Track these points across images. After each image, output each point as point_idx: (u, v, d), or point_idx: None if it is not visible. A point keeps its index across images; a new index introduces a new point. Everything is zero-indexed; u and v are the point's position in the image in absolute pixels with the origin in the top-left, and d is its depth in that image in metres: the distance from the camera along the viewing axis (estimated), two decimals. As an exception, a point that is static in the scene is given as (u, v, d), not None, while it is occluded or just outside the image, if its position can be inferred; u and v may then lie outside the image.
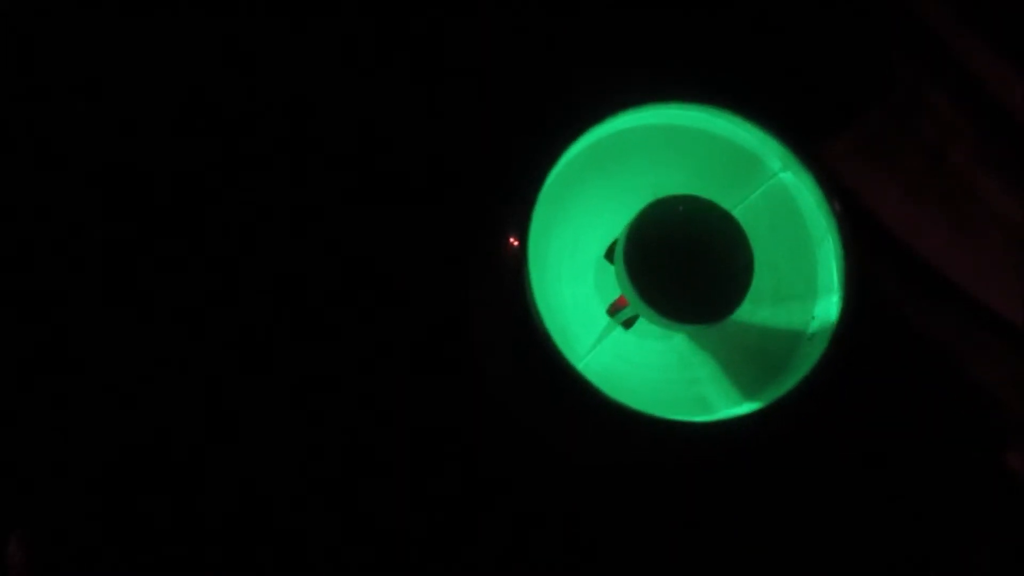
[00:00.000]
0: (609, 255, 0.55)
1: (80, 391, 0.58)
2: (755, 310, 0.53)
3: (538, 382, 0.51)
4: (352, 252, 0.59)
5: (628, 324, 0.55)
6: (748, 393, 0.51)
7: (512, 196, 0.51)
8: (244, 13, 0.60)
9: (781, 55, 0.64)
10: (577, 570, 0.57)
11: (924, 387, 0.63)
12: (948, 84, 0.67)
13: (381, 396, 0.58)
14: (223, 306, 0.59)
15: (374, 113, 0.60)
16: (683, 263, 0.50)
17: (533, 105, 0.58)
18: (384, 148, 0.60)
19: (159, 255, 0.59)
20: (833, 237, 0.52)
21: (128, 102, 0.60)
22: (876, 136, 0.66)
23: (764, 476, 0.59)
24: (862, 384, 0.59)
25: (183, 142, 0.60)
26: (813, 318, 0.51)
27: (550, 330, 0.48)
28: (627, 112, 0.52)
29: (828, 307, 0.51)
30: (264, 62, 0.60)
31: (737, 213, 0.52)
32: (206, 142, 0.60)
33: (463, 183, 0.59)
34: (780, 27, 0.64)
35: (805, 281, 0.53)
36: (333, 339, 0.58)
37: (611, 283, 0.55)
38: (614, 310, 0.55)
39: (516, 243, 0.50)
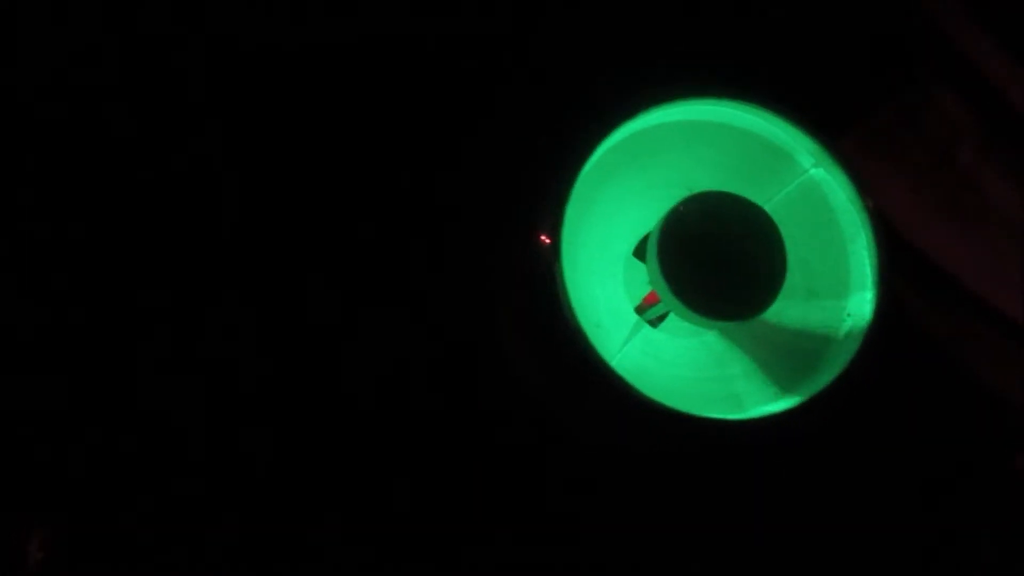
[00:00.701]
0: (638, 252, 0.55)
1: (99, 388, 0.57)
2: (787, 308, 0.53)
3: (570, 380, 0.51)
4: (378, 251, 0.59)
5: (657, 322, 0.55)
6: (782, 390, 0.51)
7: (544, 193, 0.50)
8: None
9: (796, 52, 0.64)
10: (607, 566, 0.56)
11: (932, 385, 0.63)
12: (955, 82, 0.67)
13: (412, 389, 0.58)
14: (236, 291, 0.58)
15: (402, 108, 0.60)
16: (717, 259, 0.49)
17: (564, 102, 0.58)
18: (413, 145, 0.59)
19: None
20: (866, 234, 0.51)
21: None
22: (882, 134, 0.66)
23: (792, 473, 0.58)
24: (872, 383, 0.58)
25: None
26: (848, 315, 0.51)
27: (582, 327, 0.48)
28: (658, 108, 0.51)
29: (862, 304, 0.51)
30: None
31: (767, 210, 0.52)
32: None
33: (493, 183, 0.59)
34: (790, 24, 0.64)
35: (837, 278, 0.53)
36: (356, 337, 0.58)
37: (640, 280, 0.55)
38: (643, 308, 0.54)
39: (548, 240, 0.50)
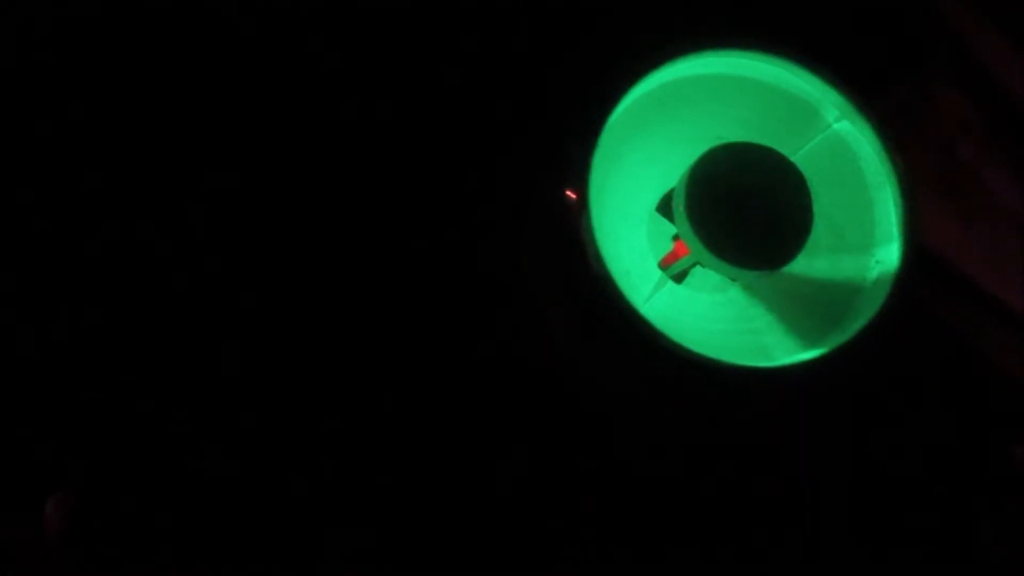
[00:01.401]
0: (662, 207, 0.55)
1: (117, 356, 0.57)
2: (811, 261, 0.53)
3: (598, 329, 0.50)
4: (401, 207, 0.58)
5: (680, 277, 0.55)
6: (809, 342, 0.51)
7: (570, 146, 0.50)
8: None
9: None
10: (631, 520, 0.56)
11: (938, 374, 0.63)
12: (956, 77, 0.67)
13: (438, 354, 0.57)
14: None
15: (429, 63, 0.59)
16: (744, 209, 0.49)
17: (589, 56, 0.58)
18: (437, 97, 0.59)
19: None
20: (892, 185, 0.51)
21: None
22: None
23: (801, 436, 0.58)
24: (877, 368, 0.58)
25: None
26: (877, 262, 0.51)
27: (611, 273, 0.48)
28: (681, 60, 0.51)
29: (888, 255, 0.51)
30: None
31: (791, 163, 0.52)
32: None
33: (520, 133, 0.58)
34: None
35: (861, 231, 0.53)
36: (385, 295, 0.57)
37: (664, 235, 0.55)
38: (667, 263, 0.54)
39: (576, 193, 0.49)
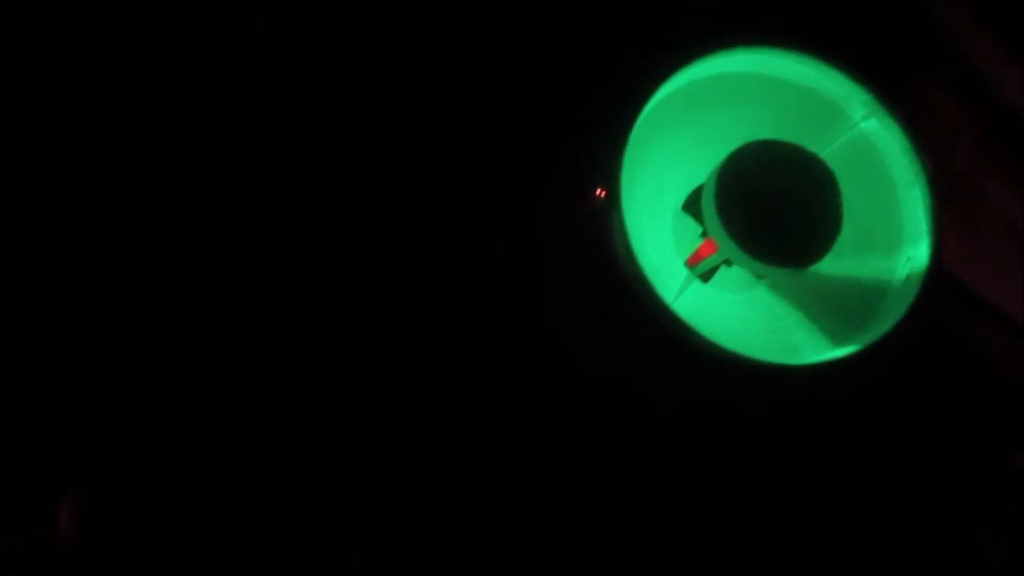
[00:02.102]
0: (688, 206, 0.55)
1: (134, 362, 0.56)
2: (837, 260, 0.52)
3: (628, 328, 0.50)
4: (426, 202, 0.58)
5: (707, 277, 0.55)
6: (838, 341, 0.50)
7: (599, 144, 0.50)
8: None
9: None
10: (662, 516, 0.55)
11: (942, 383, 0.63)
12: (953, 85, 0.67)
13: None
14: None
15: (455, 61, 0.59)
16: (775, 206, 0.49)
17: (614, 55, 0.57)
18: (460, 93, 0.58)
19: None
20: (921, 183, 0.51)
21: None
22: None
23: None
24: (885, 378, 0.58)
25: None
26: (908, 259, 0.51)
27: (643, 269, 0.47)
28: (707, 58, 0.51)
29: (918, 253, 0.51)
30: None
31: (818, 163, 0.51)
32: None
33: (547, 137, 0.58)
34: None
35: (888, 230, 0.53)
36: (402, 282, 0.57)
37: (689, 234, 0.55)
38: (694, 261, 0.54)
39: (605, 191, 0.49)
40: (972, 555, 0.61)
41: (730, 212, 0.48)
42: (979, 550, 0.61)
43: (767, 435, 0.55)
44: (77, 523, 0.54)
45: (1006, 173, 0.67)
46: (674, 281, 0.54)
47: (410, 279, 0.57)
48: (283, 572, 0.55)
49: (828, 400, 0.52)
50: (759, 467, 0.57)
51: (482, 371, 0.56)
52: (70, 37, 0.58)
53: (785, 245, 0.49)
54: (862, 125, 0.53)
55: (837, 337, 0.51)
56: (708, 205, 0.49)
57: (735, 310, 0.54)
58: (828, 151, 0.54)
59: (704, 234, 0.54)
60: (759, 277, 0.53)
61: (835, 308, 0.52)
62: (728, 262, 0.53)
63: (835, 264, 0.53)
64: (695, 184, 0.54)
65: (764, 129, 0.54)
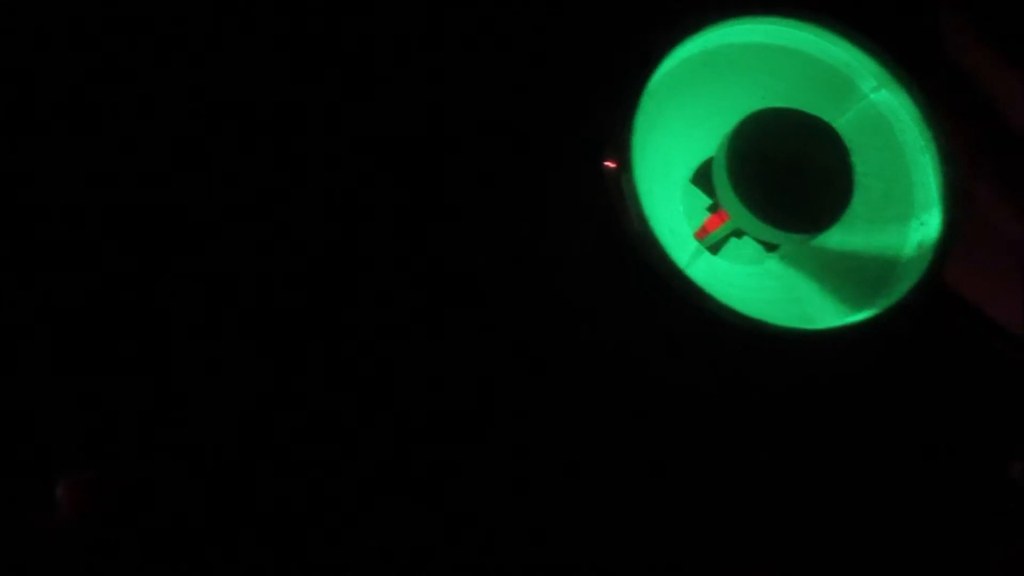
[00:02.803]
0: (697, 179, 0.54)
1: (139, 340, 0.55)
2: (847, 231, 0.52)
3: (639, 292, 0.49)
4: (424, 179, 0.57)
5: (717, 248, 0.54)
6: (853, 308, 0.50)
7: (610, 110, 0.49)
8: None
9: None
10: (678, 488, 0.55)
11: (940, 380, 0.63)
12: (949, 97, 0.67)
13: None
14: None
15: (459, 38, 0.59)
16: (786, 172, 0.49)
17: (620, 26, 0.57)
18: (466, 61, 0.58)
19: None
20: (932, 151, 0.51)
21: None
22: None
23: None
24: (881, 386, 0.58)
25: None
26: (921, 224, 0.51)
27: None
28: (718, 26, 0.51)
29: (931, 219, 0.51)
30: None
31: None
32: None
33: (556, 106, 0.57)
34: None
35: (899, 200, 0.52)
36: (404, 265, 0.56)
37: (698, 206, 0.54)
38: (704, 233, 0.53)
39: (616, 157, 0.49)
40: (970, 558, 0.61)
41: (742, 179, 0.48)
42: (976, 554, 0.61)
43: (777, 415, 0.54)
44: (78, 504, 0.53)
45: (1003, 188, 0.67)
46: (684, 253, 0.54)
47: (414, 259, 0.57)
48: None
49: (846, 372, 0.51)
50: (761, 447, 0.57)
51: (491, 349, 0.56)
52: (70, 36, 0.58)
53: (798, 211, 0.48)
54: (872, 96, 0.53)
55: (852, 304, 0.51)
56: (719, 173, 0.49)
57: (748, 281, 0.53)
58: (839, 123, 0.54)
59: (712, 207, 0.53)
60: (770, 248, 0.53)
61: (848, 277, 0.52)
62: (738, 233, 0.53)
63: (847, 234, 0.52)
64: (703, 157, 0.54)
65: (775, 101, 0.54)
